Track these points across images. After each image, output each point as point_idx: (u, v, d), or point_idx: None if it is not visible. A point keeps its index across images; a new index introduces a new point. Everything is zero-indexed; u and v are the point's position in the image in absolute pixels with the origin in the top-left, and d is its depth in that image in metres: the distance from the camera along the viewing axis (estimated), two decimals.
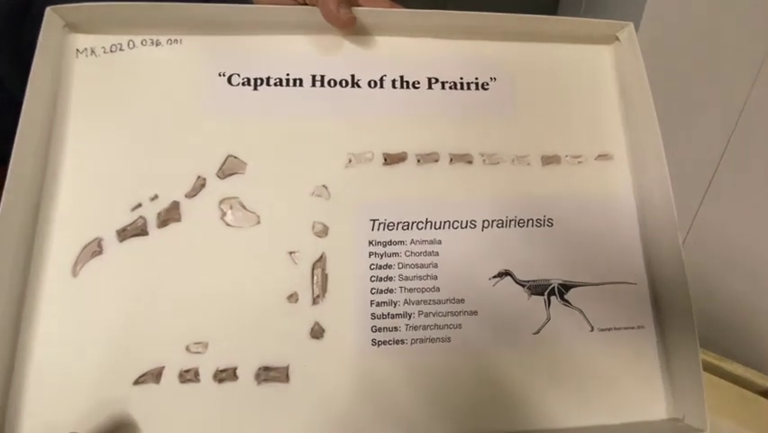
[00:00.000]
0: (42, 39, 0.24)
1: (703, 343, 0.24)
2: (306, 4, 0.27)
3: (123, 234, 0.24)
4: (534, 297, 0.26)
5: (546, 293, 0.26)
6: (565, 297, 0.26)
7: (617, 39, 0.29)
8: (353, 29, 0.27)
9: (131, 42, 0.27)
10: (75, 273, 0.24)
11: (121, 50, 0.27)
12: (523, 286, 0.26)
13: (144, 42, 0.27)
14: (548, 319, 0.26)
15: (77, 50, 0.26)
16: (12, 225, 0.23)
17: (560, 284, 0.26)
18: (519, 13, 0.27)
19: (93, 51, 0.26)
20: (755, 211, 0.55)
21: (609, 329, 0.26)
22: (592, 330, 0.26)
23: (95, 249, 0.24)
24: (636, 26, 0.28)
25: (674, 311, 0.26)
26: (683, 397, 0.25)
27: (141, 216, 0.25)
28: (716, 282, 0.57)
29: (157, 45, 0.27)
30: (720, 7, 0.51)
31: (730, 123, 0.54)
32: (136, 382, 0.23)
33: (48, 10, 0.25)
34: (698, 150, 0.56)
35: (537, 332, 0.26)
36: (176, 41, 0.27)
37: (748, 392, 0.43)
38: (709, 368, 0.44)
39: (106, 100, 0.26)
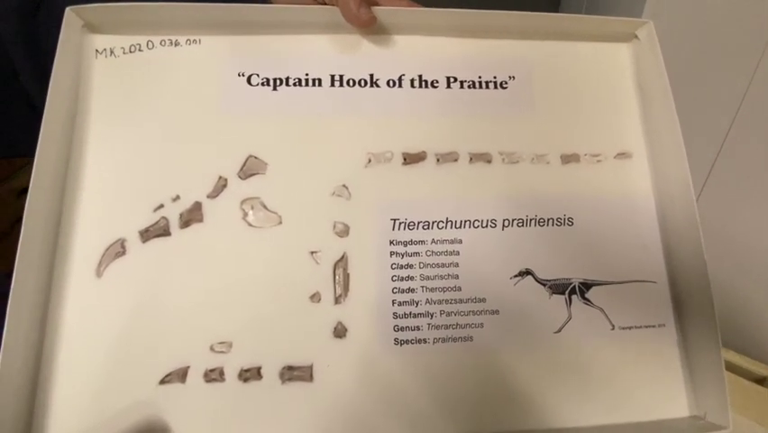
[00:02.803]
0: (62, 39, 0.24)
1: None
2: (326, 4, 0.26)
3: (146, 235, 0.25)
4: (555, 296, 0.26)
5: (567, 292, 0.26)
6: (586, 295, 0.26)
7: (636, 37, 0.29)
8: (373, 28, 0.27)
9: (150, 43, 0.27)
10: (99, 274, 0.24)
11: (140, 50, 0.27)
12: (544, 285, 0.26)
13: (163, 43, 0.27)
14: (569, 318, 0.26)
15: (97, 50, 0.26)
16: (36, 227, 0.23)
17: (580, 283, 0.26)
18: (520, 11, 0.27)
19: (112, 52, 0.26)
20: (751, 203, 0.56)
21: (630, 328, 0.26)
22: (613, 329, 0.26)
23: (118, 250, 0.24)
24: None
25: (695, 309, 0.26)
26: (705, 394, 0.25)
27: (163, 217, 0.25)
28: (711, 272, 0.57)
29: (176, 45, 0.27)
30: (718, 6, 0.51)
31: (727, 120, 0.55)
32: (162, 382, 0.23)
33: (67, 10, 0.25)
34: (695, 145, 0.57)
35: (559, 331, 0.26)
36: (195, 41, 0.27)
37: (744, 380, 0.43)
38: None
39: (126, 101, 0.26)
